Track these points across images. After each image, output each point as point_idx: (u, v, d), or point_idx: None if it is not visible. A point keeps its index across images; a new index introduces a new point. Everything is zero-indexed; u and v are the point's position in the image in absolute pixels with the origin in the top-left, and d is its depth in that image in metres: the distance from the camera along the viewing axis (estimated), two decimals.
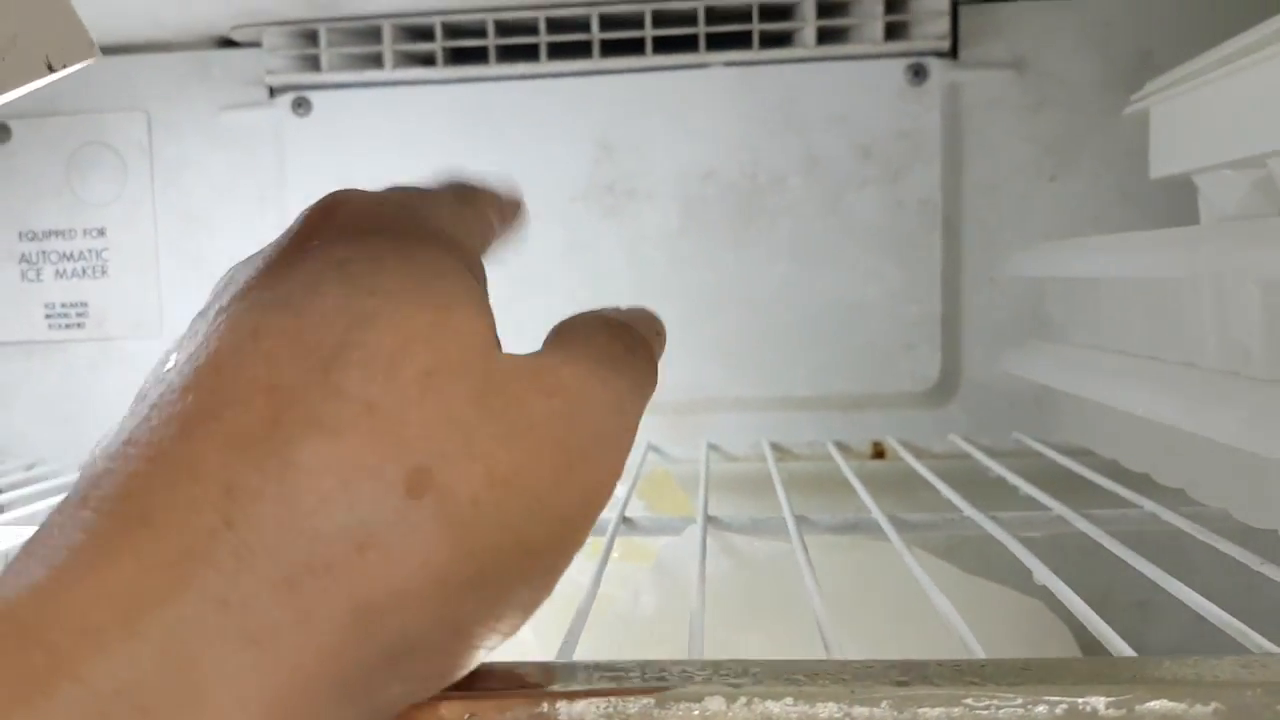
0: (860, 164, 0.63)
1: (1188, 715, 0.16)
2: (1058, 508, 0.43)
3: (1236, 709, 0.17)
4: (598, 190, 0.65)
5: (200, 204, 0.68)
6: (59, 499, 0.55)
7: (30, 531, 0.47)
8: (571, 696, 0.18)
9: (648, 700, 0.18)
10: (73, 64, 0.38)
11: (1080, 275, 0.55)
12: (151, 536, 0.14)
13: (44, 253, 0.68)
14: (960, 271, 0.64)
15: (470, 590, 0.16)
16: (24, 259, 0.69)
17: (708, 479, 0.51)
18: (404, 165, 0.66)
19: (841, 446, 0.60)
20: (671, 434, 0.62)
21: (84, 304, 0.68)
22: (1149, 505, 0.42)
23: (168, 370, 0.16)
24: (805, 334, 0.64)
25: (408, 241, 0.18)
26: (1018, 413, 0.64)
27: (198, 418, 0.15)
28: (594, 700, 0.18)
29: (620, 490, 0.46)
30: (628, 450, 0.19)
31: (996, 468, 0.53)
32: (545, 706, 0.18)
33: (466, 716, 0.18)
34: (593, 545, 0.22)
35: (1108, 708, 0.16)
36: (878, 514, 0.43)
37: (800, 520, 0.43)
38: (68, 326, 0.69)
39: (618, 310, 0.22)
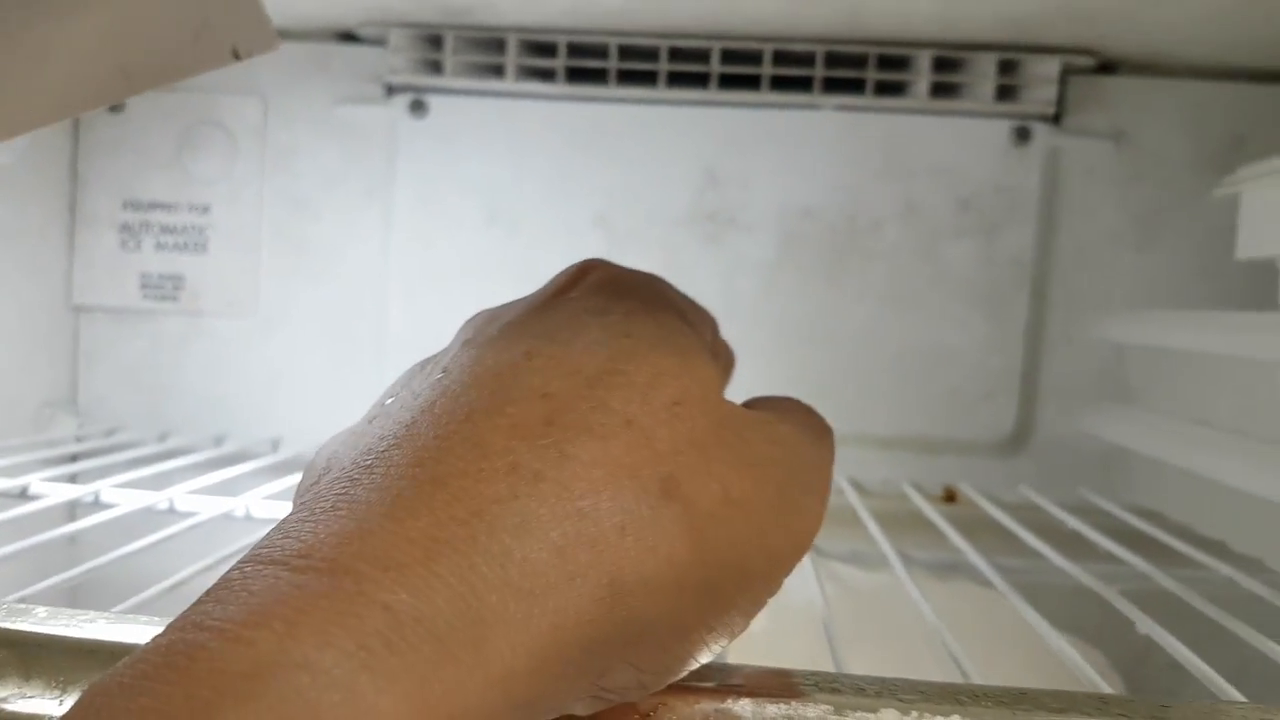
0: (957, 216, 0.65)
1: None
2: (1141, 564, 0.44)
3: None
4: (699, 217, 0.67)
5: (307, 192, 0.69)
6: (134, 472, 0.55)
7: (149, 496, 0.47)
8: (754, 695, 0.19)
9: (826, 707, 0.19)
10: (257, 53, 0.39)
11: (1172, 346, 0.57)
12: (446, 498, 0.16)
13: (146, 223, 0.70)
14: (1043, 329, 0.66)
15: (697, 595, 0.18)
16: (125, 228, 0.70)
17: None
18: (514, 175, 0.68)
19: (916, 487, 0.61)
20: None
21: (180, 277, 0.69)
22: (1225, 569, 0.43)
23: (440, 377, 0.19)
24: (888, 374, 0.66)
25: (654, 304, 0.21)
26: (1084, 471, 0.65)
27: (482, 409, 0.18)
28: (776, 703, 0.19)
29: None
30: (824, 512, 0.21)
31: (1073, 522, 0.54)
32: (729, 703, 0.19)
33: (657, 707, 0.19)
34: None
35: None
36: (975, 557, 0.45)
37: (903, 557, 0.44)
38: (161, 298, 0.70)
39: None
